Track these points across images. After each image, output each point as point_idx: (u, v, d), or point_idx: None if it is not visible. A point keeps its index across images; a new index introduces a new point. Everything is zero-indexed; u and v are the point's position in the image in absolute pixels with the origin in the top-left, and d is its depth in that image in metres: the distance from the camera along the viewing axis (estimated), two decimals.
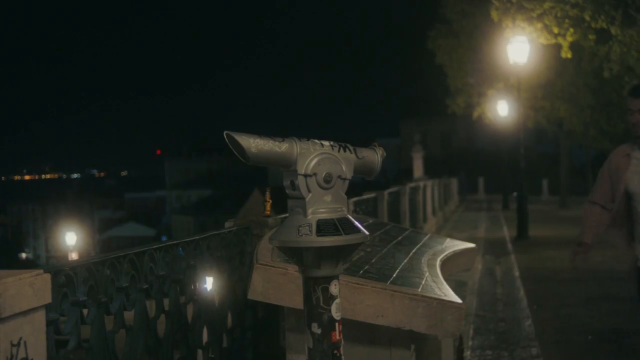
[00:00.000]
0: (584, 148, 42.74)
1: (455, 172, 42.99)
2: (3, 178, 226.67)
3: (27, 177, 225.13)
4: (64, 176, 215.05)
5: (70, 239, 55.17)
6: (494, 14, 19.26)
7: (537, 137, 51.17)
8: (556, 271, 13.83)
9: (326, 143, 3.41)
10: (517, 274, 13.66)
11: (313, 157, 3.31)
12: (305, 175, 3.29)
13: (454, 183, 36.97)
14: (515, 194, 23.86)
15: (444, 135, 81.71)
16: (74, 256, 46.41)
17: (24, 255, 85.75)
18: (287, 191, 3.40)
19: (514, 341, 8.49)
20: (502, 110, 33.03)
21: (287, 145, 3.29)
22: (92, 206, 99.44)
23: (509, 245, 18.58)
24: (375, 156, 3.62)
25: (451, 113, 34.75)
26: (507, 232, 22.02)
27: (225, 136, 3.25)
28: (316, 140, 3.39)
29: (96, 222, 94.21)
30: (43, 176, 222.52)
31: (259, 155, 3.24)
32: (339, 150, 3.42)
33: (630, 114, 5.19)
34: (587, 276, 12.47)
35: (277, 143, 3.27)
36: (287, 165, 3.32)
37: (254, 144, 3.21)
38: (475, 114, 33.41)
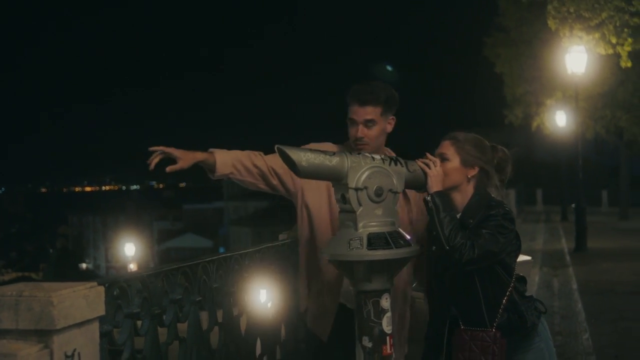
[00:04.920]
0: None
1: (513, 183, 42.44)
2: (64, 189, 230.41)
3: (87, 189, 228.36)
4: (124, 187, 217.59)
5: (129, 250, 55.78)
6: (551, 23, 19.00)
7: (597, 148, 50.34)
8: (615, 284, 13.62)
9: (377, 156, 3.40)
10: (574, 286, 13.47)
11: (364, 170, 3.31)
12: (356, 189, 3.29)
13: (512, 194, 36.52)
14: (573, 205, 23.50)
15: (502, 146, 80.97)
16: (132, 267, 46.87)
17: (84, 265, 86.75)
18: (338, 205, 3.40)
19: (570, 355, 8.38)
20: (560, 120, 32.62)
21: (337, 159, 3.29)
22: (151, 217, 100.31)
23: (567, 257, 18.30)
24: (426, 169, 3.62)
25: (508, 123, 34.45)
26: (565, 244, 21.69)
27: (276, 150, 3.28)
28: (367, 154, 3.39)
29: (155, 233, 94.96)
30: (103, 187, 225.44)
31: (310, 169, 3.25)
32: (389, 164, 3.41)
33: None
34: None
35: (327, 157, 3.28)
36: (338, 179, 3.32)
37: (304, 157, 3.22)
38: (534, 125, 33.04)
